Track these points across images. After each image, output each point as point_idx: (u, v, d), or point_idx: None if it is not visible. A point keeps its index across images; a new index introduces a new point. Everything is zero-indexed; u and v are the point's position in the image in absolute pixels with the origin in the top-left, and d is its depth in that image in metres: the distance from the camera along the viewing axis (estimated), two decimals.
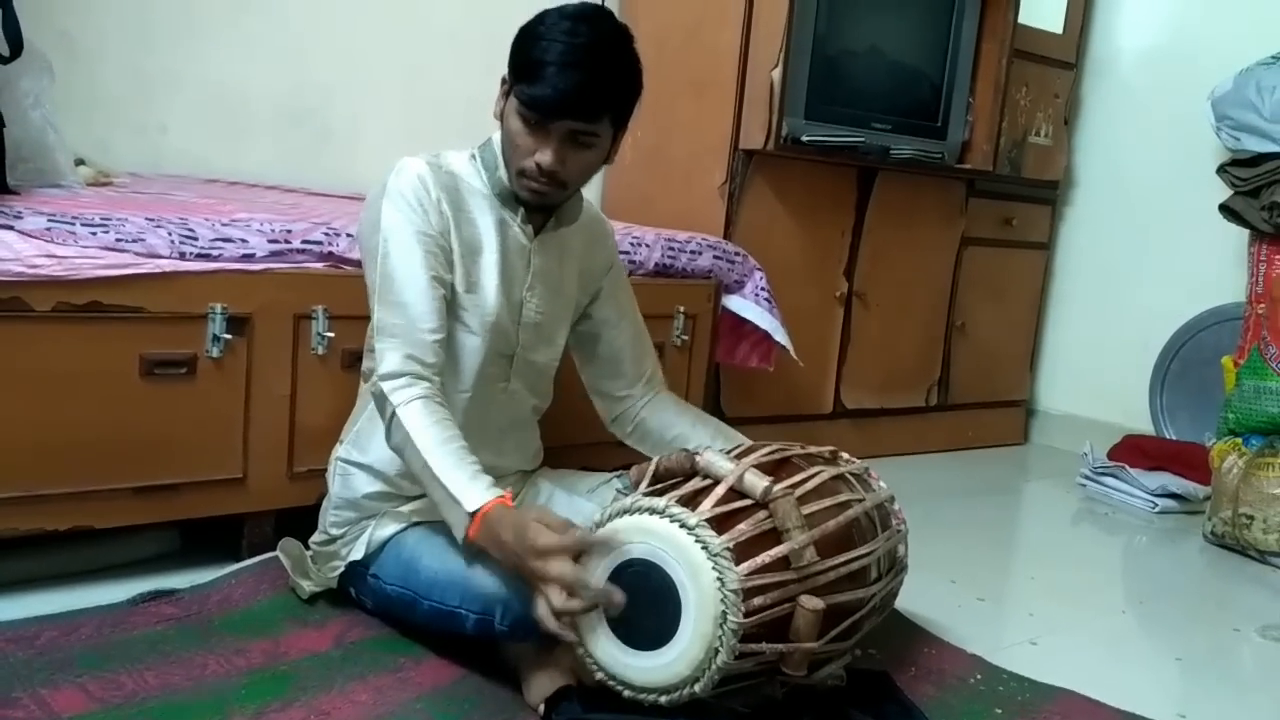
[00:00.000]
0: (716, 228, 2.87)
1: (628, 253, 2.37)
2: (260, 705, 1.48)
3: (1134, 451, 3.27)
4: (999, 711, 1.71)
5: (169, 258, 1.78)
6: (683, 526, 1.38)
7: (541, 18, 1.60)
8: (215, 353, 1.83)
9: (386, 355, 1.59)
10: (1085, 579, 2.51)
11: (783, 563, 1.41)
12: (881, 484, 1.74)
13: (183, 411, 1.83)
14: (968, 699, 1.75)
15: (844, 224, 3.16)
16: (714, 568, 1.35)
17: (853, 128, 2.99)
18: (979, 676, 1.83)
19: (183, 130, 2.69)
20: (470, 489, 1.49)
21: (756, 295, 2.68)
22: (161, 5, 2.61)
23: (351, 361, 1.91)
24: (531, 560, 1.41)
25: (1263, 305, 2.87)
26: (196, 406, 1.84)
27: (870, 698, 1.60)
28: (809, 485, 1.54)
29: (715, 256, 2.58)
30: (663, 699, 1.40)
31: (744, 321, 2.68)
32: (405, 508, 1.74)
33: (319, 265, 1.95)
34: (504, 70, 1.64)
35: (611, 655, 1.42)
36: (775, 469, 1.56)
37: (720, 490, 1.45)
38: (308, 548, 1.84)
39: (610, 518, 1.44)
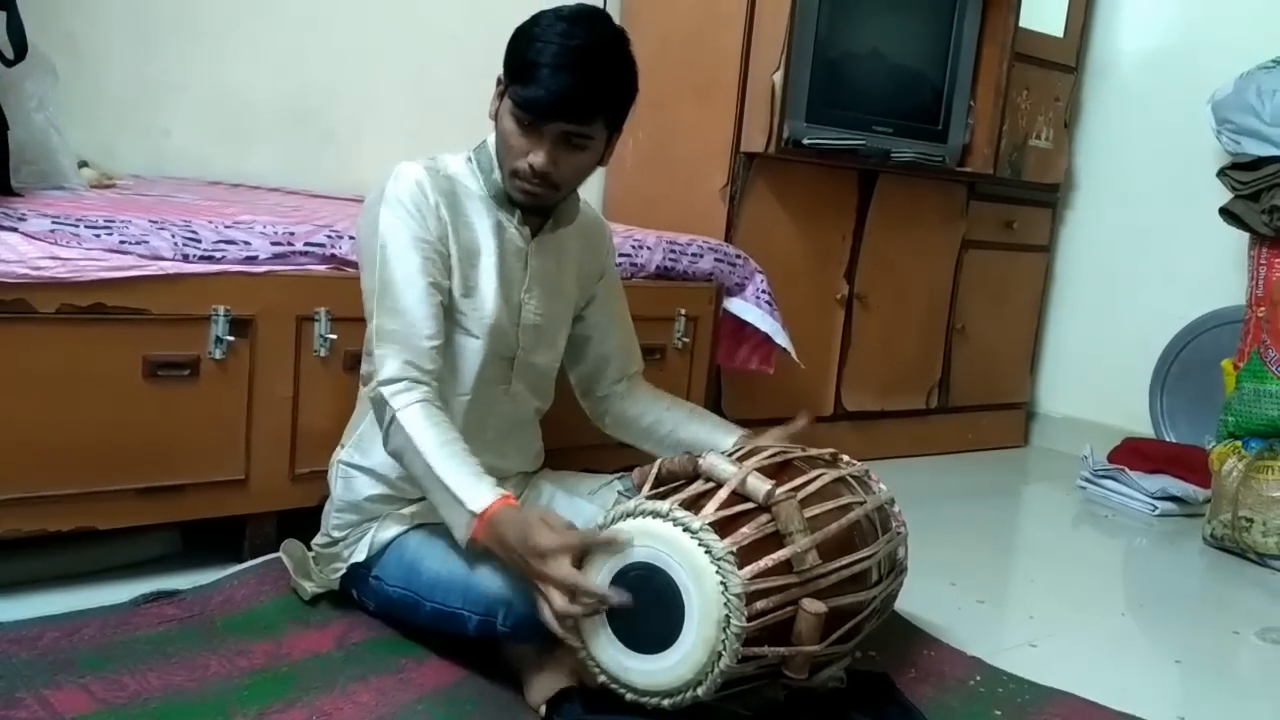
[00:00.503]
0: (718, 230, 2.88)
1: (629, 255, 2.37)
2: (262, 706, 1.48)
3: (1134, 454, 3.27)
4: (999, 713, 1.72)
5: (172, 260, 1.79)
6: (686, 530, 1.38)
7: (537, 19, 1.61)
8: (218, 354, 1.83)
9: (385, 361, 1.59)
10: (1085, 581, 2.52)
11: (785, 566, 1.42)
12: (882, 486, 1.75)
13: (185, 413, 1.83)
14: (967, 701, 1.75)
15: (845, 227, 3.17)
16: (717, 571, 1.36)
17: (854, 131, 3.00)
18: (979, 678, 1.83)
19: (185, 133, 2.69)
20: (474, 489, 1.50)
21: (758, 298, 2.68)
22: (164, 9, 2.62)
23: (353, 363, 1.92)
24: (533, 561, 1.41)
25: (1263, 308, 2.87)
26: (199, 408, 1.84)
27: (871, 700, 1.61)
28: (811, 488, 1.54)
29: (716, 259, 2.58)
30: (665, 702, 1.41)
31: (745, 324, 2.69)
32: (407, 510, 1.74)
33: (321, 267, 1.95)
34: (501, 71, 1.64)
35: (614, 658, 1.43)
36: (777, 472, 1.57)
37: (723, 494, 1.46)
38: (310, 549, 1.84)
39: (613, 520, 1.45)
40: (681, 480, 1.55)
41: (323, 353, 1.94)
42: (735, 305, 2.66)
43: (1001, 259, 3.62)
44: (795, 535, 1.43)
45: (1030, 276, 3.78)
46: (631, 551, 1.41)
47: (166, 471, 1.83)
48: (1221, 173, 3.02)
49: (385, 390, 1.57)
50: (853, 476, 1.68)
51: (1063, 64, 3.62)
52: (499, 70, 1.65)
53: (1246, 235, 2.98)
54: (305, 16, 2.81)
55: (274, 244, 1.90)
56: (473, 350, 1.72)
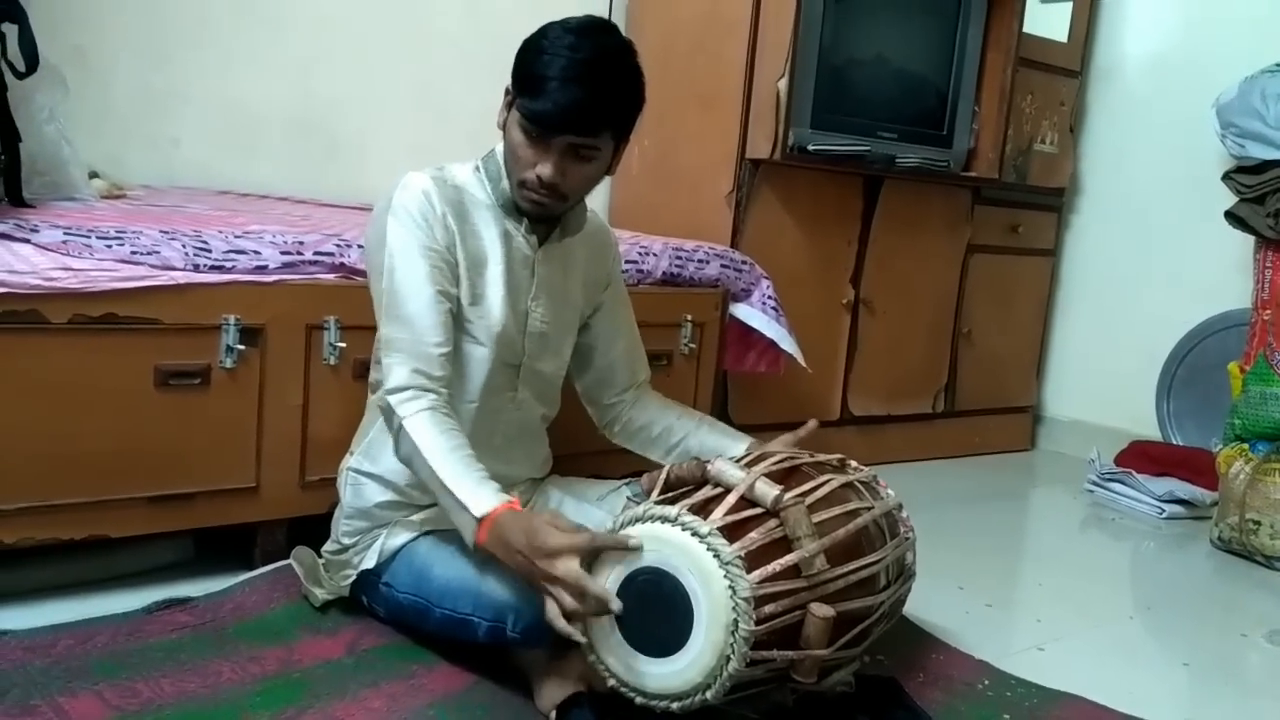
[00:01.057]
0: (724, 237, 2.89)
1: (635, 261, 2.38)
2: (275, 712, 1.49)
3: (1141, 457, 3.27)
4: (1007, 717, 1.72)
5: (183, 269, 1.80)
6: (695, 535, 1.39)
7: (544, 31, 1.61)
8: (229, 363, 1.84)
9: (394, 370, 1.60)
10: (1093, 585, 2.52)
11: (793, 571, 1.43)
12: (889, 491, 1.75)
13: (197, 421, 1.84)
14: (976, 704, 1.75)
15: (850, 232, 3.18)
16: (726, 576, 1.36)
17: (858, 137, 3.01)
18: (987, 682, 1.84)
19: (194, 143, 2.71)
20: (477, 495, 1.50)
21: (764, 303, 2.69)
22: (173, 21, 2.64)
23: (363, 371, 1.93)
24: (539, 561, 1.42)
25: (1268, 311, 2.87)
26: (210, 416, 1.86)
27: (879, 704, 1.61)
28: (819, 493, 1.55)
29: (723, 265, 2.59)
30: (674, 706, 1.41)
31: (751, 329, 2.70)
32: (416, 517, 1.75)
33: (331, 276, 1.97)
34: (509, 82, 1.65)
35: (623, 662, 1.44)
36: (785, 477, 1.57)
37: (731, 499, 1.46)
38: (320, 556, 1.85)
39: (622, 526, 1.45)
40: (690, 486, 1.56)
41: (332, 361, 1.95)
42: (741, 311, 2.67)
43: (1007, 263, 3.62)
44: (803, 540, 1.44)
45: (1036, 280, 3.78)
46: (640, 556, 1.42)
47: (178, 480, 1.85)
48: (1226, 176, 3.03)
49: (393, 399, 1.58)
50: (861, 482, 1.69)
51: (1067, 69, 3.62)
52: (505, 81, 1.66)
53: (1252, 238, 2.98)
54: (312, 27, 2.83)
55: (284, 253, 1.91)
56: (479, 358, 1.73)
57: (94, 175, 2.29)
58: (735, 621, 1.36)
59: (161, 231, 1.82)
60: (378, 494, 1.75)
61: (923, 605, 2.00)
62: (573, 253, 1.83)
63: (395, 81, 2.99)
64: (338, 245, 1.97)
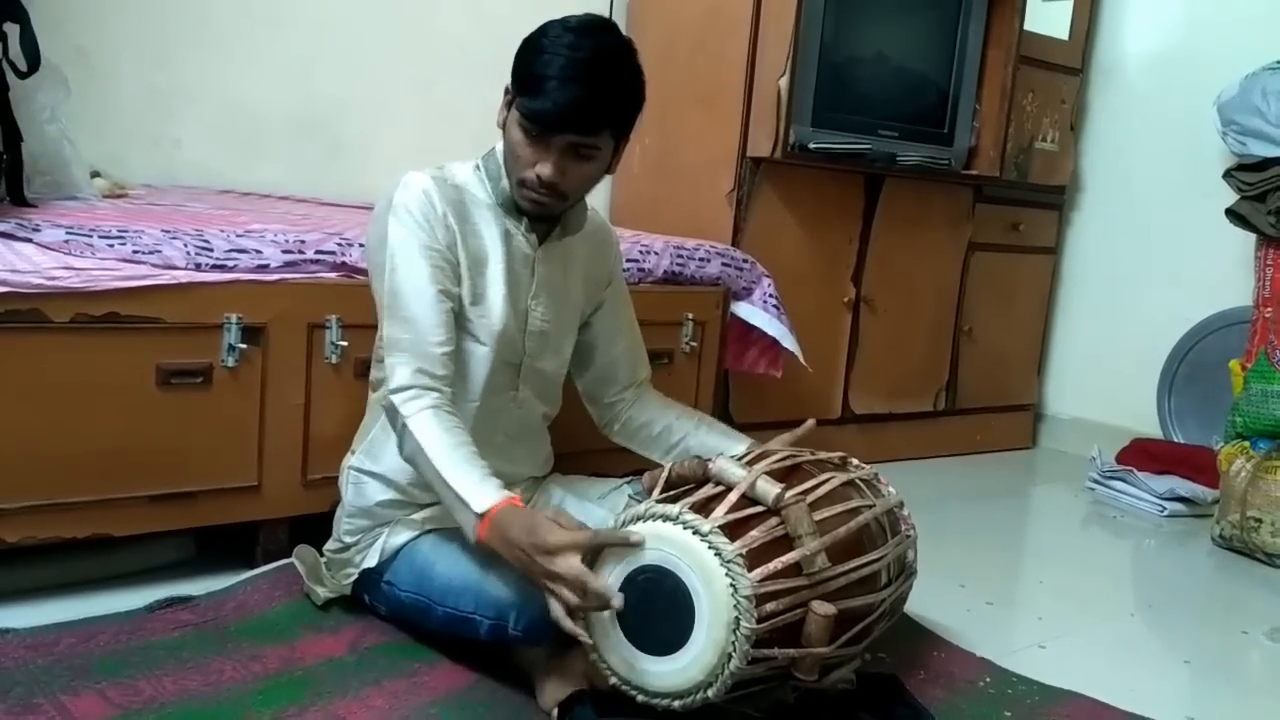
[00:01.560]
0: (725, 235, 2.89)
1: (636, 260, 2.38)
2: (277, 710, 1.49)
3: (1142, 455, 3.27)
4: (1008, 714, 1.72)
5: (185, 269, 1.81)
6: (696, 533, 1.39)
7: (544, 30, 1.61)
8: (230, 362, 1.85)
9: (397, 369, 1.60)
10: (1094, 582, 2.52)
11: (795, 569, 1.43)
12: (891, 490, 1.76)
13: (198, 420, 1.85)
14: (977, 702, 1.75)
15: (851, 230, 3.18)
16: (727, 574, 1.37)
17: (860, 135, 3.01)
18: (988, 680, 1.84)
19: (196, 143, 2.72)
20: (479, 491, 1.50)
21: (765, 302, 2.69)
22: (175, 20, 2.64)
23: (364, 370, 1.93)
24: (540, 557, 1.42)
25: (1270, 309, 2.87)
26: (212, 415, 1.86)
27: (880, 701, 1.61)
28: (820, 492, 1.55)
29: (724, 264, 2.59)
30: (676, 704, 1.42)
31: (753, 328, 2.70)
32: (418, 515, 1.75)
33: (332, 275, 1.97)
34: (509, 81, 1.65)
35: (625, 660, 1.44)
36: (786, 475, 1.58)
37: (733, 497, 1.47)
38: (322, 554, 1.85)
39: (624, 524, 1.46)
40: (691, 484, 1.56)
41: (334, 360, 1.95)
42: (743, 309, 2.67)
43: (1008, 261, 3.62)
44: (805, 538, 1.44)
45: (1037, 278, 3.78)
46: (642, 554, 1.42)
47: (180, 478, 1.85)
48: (1227, 174, 3.03)
49: (396, 398, 1.59)
50: (862, 480, 1.69)
51: (1068, 66, 3.62)
52: (506, 80, 1.65)
53: (1253, 236, 2.98)
54: (314, 28, 2.83)
55: (285, 252, 1.91)
56: (480, 357, 1.73)
57: (96, 175, 2.30)
58: (737, 619, 1.36)
59: (163, 231, 1.82)
60: (379, 492, 1.75)
61: (924, 603, 2.00)
62: (573, 251, 1.83)
63: (397, 81, 2.99)
64: (339, 244, 1.97)
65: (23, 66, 1.93)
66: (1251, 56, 3.04)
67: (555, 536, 1.42)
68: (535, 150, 1.61)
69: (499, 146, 1.71)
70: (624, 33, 1.68)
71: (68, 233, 1.74)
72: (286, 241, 1.92)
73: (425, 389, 1.59)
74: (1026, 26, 3.35)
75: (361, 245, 1.96)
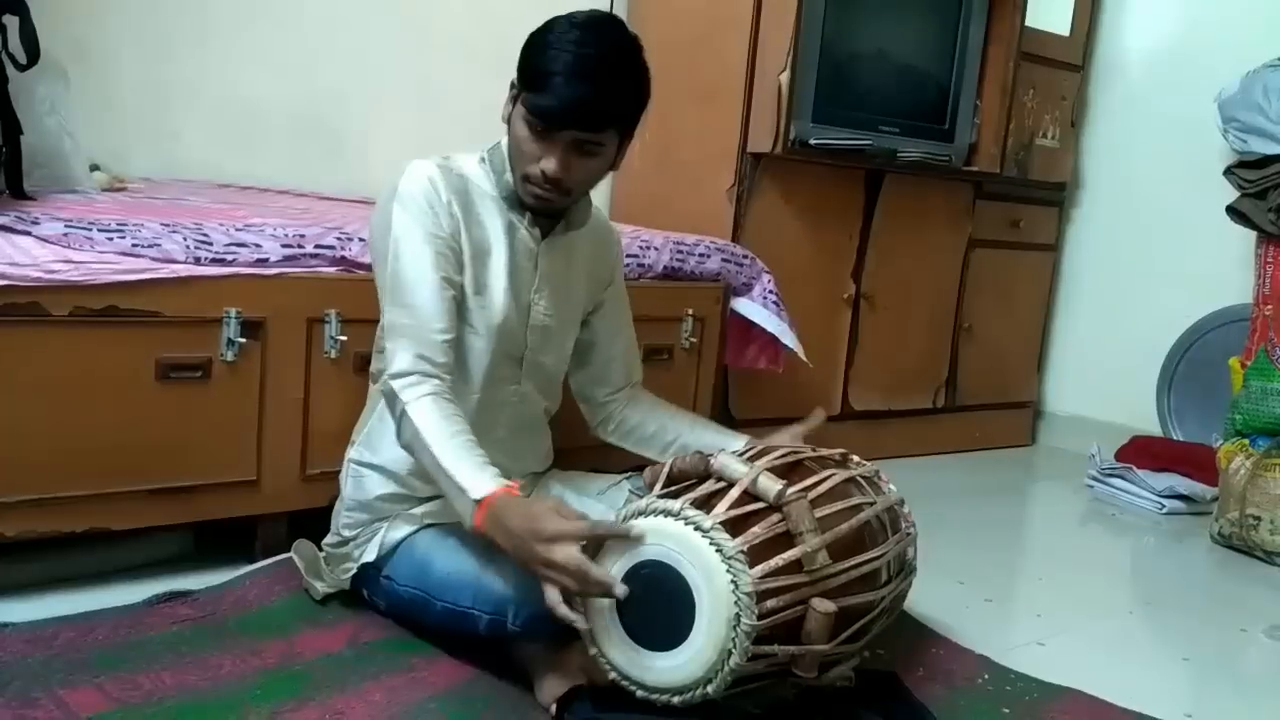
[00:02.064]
0: (725, 231, 2.89)
1: (636, 256, 2.38)
2: (275, 705, 1.49)
3: (1141, 453, 3.27)
4: (1006, 711, 1.72)
5: (184, 262, 1.80)
6: (697, 529, 1.39)
7: (550, 26, 1.60)
8: (230, 356, 1.84)
9: (397, 355, 1.60)
10: (1093, 580, 2.52)
11: (796, 566, 1.43)
12: (891, 487, 1.75)
13: (197, 414, 1.84)
14: (976, 699, 1.76)
15: (852, 227, 3.18)
16: (728, 570, 1.36)
17: (860, 131, 3.01)
18: (987, 677, 1.84)
19: (195, 136, 2.71)
20: (477, 478, 1.50)
21: (765, 298, 2.69)
22: (175, 13, 2.64)
23: (363, 364, 1.93)
24: (538, 545, 1.41)
25: (1270, 306, 2.87)
26: (211, 409, 1.86)
27: (879, 698, 1.61)
28: (822, 488, 1.55)
29: (724, 259, 2.59)
30: (675, 699, 1.42)
31: (753, 324, 2.69)
32: (417, 510, 1.75)
33: (332, 270, 1.96)
34: (514, 76, 1.65)
35: (625, 655, 1.44)
36: (788, 472, 1.57)
37: (734, 493, 1.46)
38: (321, 549, 1.85)
39: (625, 519, 1.45)
40: (693, 480, 1.56)
41: (333, 354, 1.95)
42: (743, 305, 2.67)
43: (1008, 258, 3.62)
44: (806, 535, 1.44)
45: (1037, 275, 3.78)
46: (643, 549, 1.42)
47: (179, 473, 1.85)
48: (1228, 171, 3.03)
49: (396, 384, 1.58)
50: (863, 477, 1.69)
51: (1069, 63, 3.62)
52: (507, 74, 1.65)
53: (1253, 233, 2.98)
54: (314, 21, 2.83)
55: (285, 246, 1.91)
56: (481, 349, 1.72)
57: (95, 168, 2.29)
58: (737, 616, 1.36)
59: (163, 224, 1.82)
60: (379, 486, 1.75)
61: (923, 600, 2.00)
62: (576, 247, 1.82)
63: (397, 76, 2.98)
64: (339, 239, 1.97)
65: (22, 59, 1.92)
66: (1252, 53, 3.03)
67: (554, 525, 1.41)
68: (540, 146, 1.61)
69: (504, 140, 1.71)
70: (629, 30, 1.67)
71: (67, 226, 1.74)
72: (286, 236, 1.92)
73: (426, 375, 1.59)
74: (1027, 23, 3.35)
75: (362, 240, 1.96)
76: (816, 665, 1.44)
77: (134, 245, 1.76)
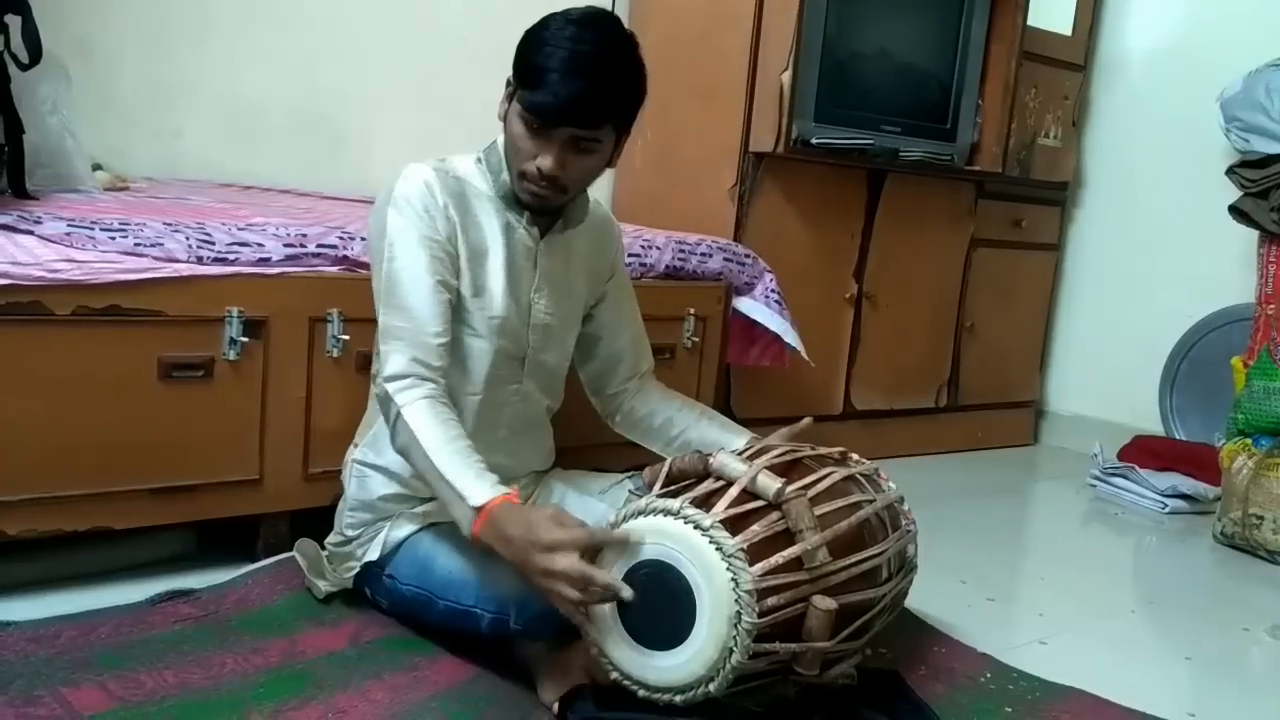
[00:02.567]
0: (727, 230, 2.89)
1: (638, 255, 2.38)
2: (277, 703, 1.49)
3: (1144, 452, 3.27)
4: (1009, 710, 1.72)
5: (186, 262, 1.80)
6: (697, 528, 1.39)
7: (546, 22, 1.60)
8: (232, 355, 1.85)
9: (391, 358, 1.60)
10: (1095, 579, 2.52)
11: (796, 563, 1.43)
12: (891, 485, 1.75)
13: (200, 413, 1.85)
14: (978, 698, 1.76)
15: (854, 226, 3.18)
16: (728, 569, 1.37)
17: (862, 130, 3.00)
18: (989, 675, 1.84)
19: (197, 135, 2.71)
20: (476, 486, 1.49)
21: (767, 297, 2.69)
22: (177, 13, 2.64)
23: (365, 364, 1.93)
24: (538, 554, 1.40)
25: (1272, 306, 2.87)
26: (213, 409, 1.86)
27: (881, 696, 1.61)
28: (821, 486, 1.55)
29: (725, 258, 2.59)
30: (677, 698, 1.42)
31: (755, 323, 2.70)
32: (420, 509, 1.75)
33: (334, 269, 1.97)
34: (510, 73, 1.65)
35: (626, 655, 1.44)
36: (787, 470, 1.57)
37: (734, 491, 1.46)
38: (323, 548, 1.86)
39: (625, 519, 1.45)
40: (692, 479, 1.56)
41: (335, 353, 1.95)
42: (745, 304, 2.67)
43: (1010, 257, 3.62)
44: (805, 533, 1.44)
45: (1039, 275, 3.78)
46: (643, 549, 1.42)
47: (181, 472, 1.85)
48: (1230, 171, 3.03)
49: (390, 386, 1.58)
50: (862, 475, 1.69)
51: (1071, 62, 3.61)
52: (507, 72, 1.65)
53: (1255, 233, 2.98)
54: (315, 19, 2.83)
55: (287, 245, 1.91)
56: (482, 350, 1.72)
57: (97, 167, 2.29)
58: (738, 614, 1.36)
59: (165, 224, 1.82)
60: (382, 486, 1.75)
61: (925, 599, 2.00)
62: (575, 244, 1.82)
63: (398, 74, 2.98)
64: (341, 238, 1.97)
65: (24, 58, 1.92)
66: (1255, 53, 3.03)
67: (553, 534, 1.41)
68: (536, 143, 1.61)
69: (500, 139, 1.71)
70: (626, 26, 1.67)
71: (69, 225, 1.74)
72: (288, 235, 1.92)
73: (421, 379, 1.58)
74: (1029, 22, 3.35)
75: (363, 239, 1.96)
76: (818, 663, 1.44)
77: (136, 244, 1.76)
